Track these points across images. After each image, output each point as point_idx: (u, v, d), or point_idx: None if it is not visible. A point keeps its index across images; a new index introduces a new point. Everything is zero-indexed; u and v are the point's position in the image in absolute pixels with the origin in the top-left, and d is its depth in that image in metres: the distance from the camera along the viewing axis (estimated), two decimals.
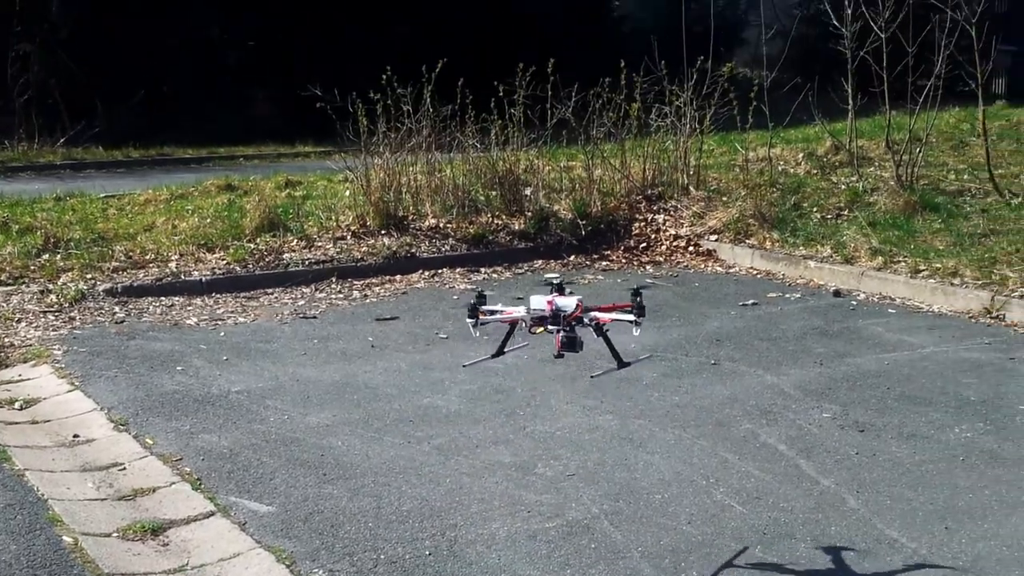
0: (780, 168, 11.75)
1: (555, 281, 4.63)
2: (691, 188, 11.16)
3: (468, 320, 4.47)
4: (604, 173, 11.15)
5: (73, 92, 19.40)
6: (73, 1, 21.35)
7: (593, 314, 4.56)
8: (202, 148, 18.70)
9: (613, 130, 11.03)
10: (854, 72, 11.06)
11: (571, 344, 4.66)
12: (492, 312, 4.71)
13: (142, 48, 21.40)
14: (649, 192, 11.12)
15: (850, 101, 11.26)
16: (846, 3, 10.82)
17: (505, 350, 4.76)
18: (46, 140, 17.70)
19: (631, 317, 4.30)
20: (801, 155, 12.15)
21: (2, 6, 19.21)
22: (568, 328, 4.88)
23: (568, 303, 4.89)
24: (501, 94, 10.34)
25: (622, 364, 4.86)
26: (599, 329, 4.59)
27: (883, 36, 10.58)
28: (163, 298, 8.26)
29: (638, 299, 4.79)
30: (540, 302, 4.55)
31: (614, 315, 4.53)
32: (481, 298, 4.92)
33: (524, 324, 4.44)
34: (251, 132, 20.21)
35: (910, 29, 10.57)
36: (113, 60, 21.45)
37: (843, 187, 10.86)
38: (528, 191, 10.78)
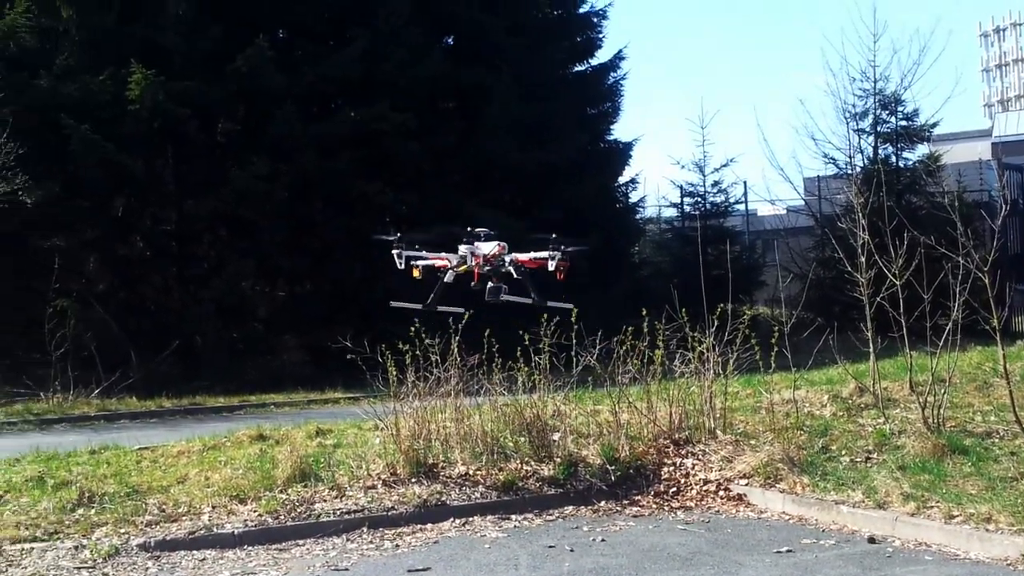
0: (806, 410, 11.84)
1: (480, 232, 5.51)
2: (718, 432, 11.23)
3: (393, 252, 5.03)
4: (631, 417, 11.27)
5: (108, 344, 19.91)
6: (110, 257, 22.24)
7: (514, 255, 5.40)
8: (234, 397, 19.00)
9: (638, 375, 11.22)
10: (873, 317, 11.31)
11: (495, 292, 5.75)
12: (419, 257, 5.42)
13: (176, 300, 22.16)
14: (676, 436, 11.20)
15: (871, 345, 11.46)
16: (859, 251, 11.19)
17: (439, 308, 5.41)
18: (81, 391, 18.03)
19: (547, 253, 4.87)
20: (826, 397, 12.25)
21: (42, 263, 20.04)
22: (492, 266, 6.19)
23: (490, 246, 5.98)
24: (527, 342, 10.60)
25: (538, 303, 5.91)
26: (518, 269, 5.54)
27: (898, 283, 10.89)
28: (196, 551, 8.27)
29: (561, 244, 6.10)
30: (466, 249, 5.33)
31: (532, 254, 5.25)
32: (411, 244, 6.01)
33: (450, 265, 5.08)
34: (281, 379, 20.58)
35: (924, 275, 10.88)
36: (147, 312, 22.18)
37: (870, 429, 10.91)
38: (556, 436, 10.88)
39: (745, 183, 34.39)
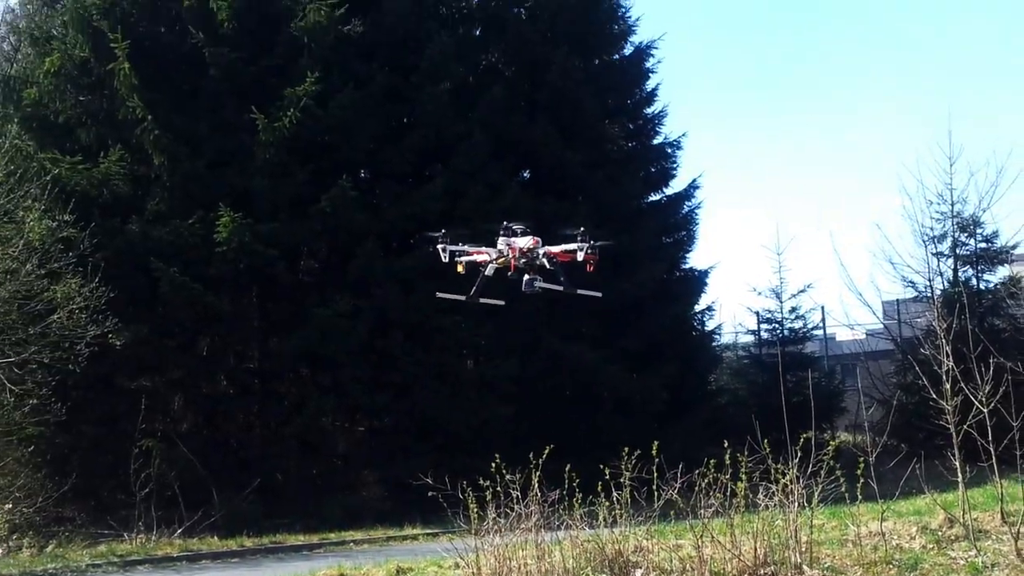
0: (894, 543, 11.54)
1: (515, 227, 6.85)
2: (804, 567, 10.98)
3: (438, 246, 6.06)
4: (714, 552, 11.08)
5: (191, 482, 20.20)
6: (194, 396, 22.71)
7: (546, 248, 6.72)
8: (313, 535, 19.07)
9: (720, 509, 11.07)
10: (960, 445, 11.09)
11: (531, 284, 7.36)
12: (463, 252, 6.60)
13: (257, 438, 22.49)
14: (761, 571, 10.96)
15: (959, 474, 11.22)
16: (944, 378, 11.05)
17: (481, 300, 6.49)
18: (164, 531, 18.24)
19: (576, 245, 6.04)
20: (914, 529, 11.95)
21: (129, 404, 20.54)
22: (528, 259, 7.70)
23: (525, 240, 7.38)
24: (607, 476, 10.56)
25: (568, 290, 7.15)
26: (551, 261, 6.88)
27: (985, 411, 10.71)
28: None
29: (588, 237, 7.19)
30: (503, 243, 6.51)
31: (563, 247, 6.43)
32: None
33: (490, 258, 6.20)
34: (361, 515, 20.65)
35: (1012, 401, 10.69)
36: (230, 450, 22.53)
37: (962, 563, 10.60)
38: (638, 573, 10.73)
39: (823, 308, 34.12)
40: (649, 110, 29.65)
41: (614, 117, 29.05)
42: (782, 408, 11.84)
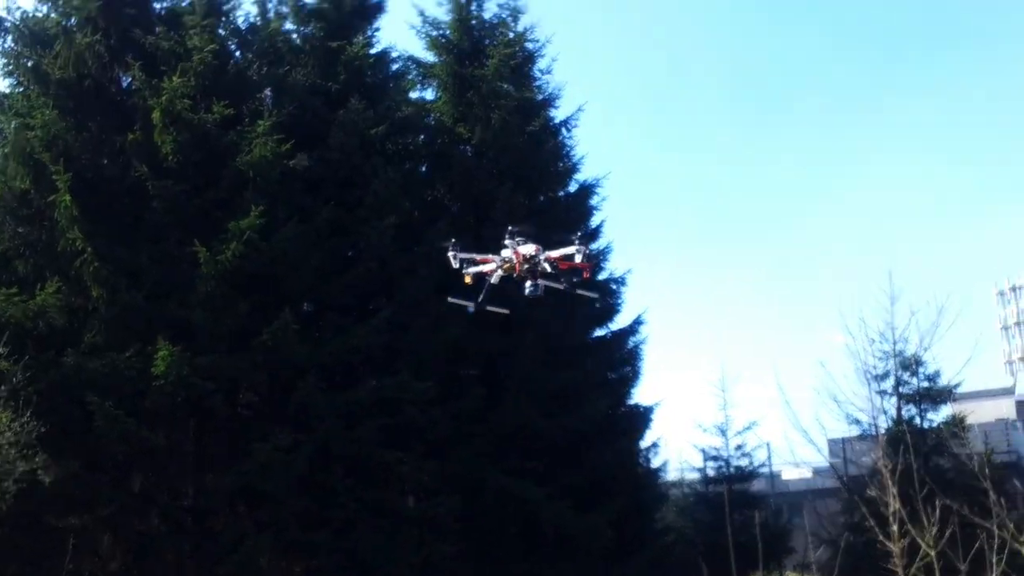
0: None
1: (518, 235, 8.87)
2: None
3: (449, 255, 7.62)
4: None
5: None
6: (124, 535, 21.95)
7: (547, 253, 7.46)
8: None
9: None
10: None
11: (534, 289, 8.67)
12: (471, 261, 8.29)
13: None
14: None
15: None
16: (891, 519, 10.92)
17: (488, 307, 7.73)
18: None
19: (574, 248, 7.95)
20: None
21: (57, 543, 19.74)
22: (530, 265, 8.77)
23: (528, 247, 8.97)
24: None
25: (568, 288, 8.28)
26: (552, 265, 8.48)
27: (932, 553, 10.57)
28: None
29: (582, 236, 7.82)
30: (508, 251, 8.46)
31: (562, 251, 7.01)
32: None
33: (496, 265, 8.28)
34: None
35: (959, 543, 10.57)
36: None
37: None
38: None
39: (768, 445, 34.09)
40: (594, 246, 29.91)
41: None
42: (729, 548, 11.64)
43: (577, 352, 27.08)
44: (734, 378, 59.21)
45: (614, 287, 29.58)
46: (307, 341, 22.80)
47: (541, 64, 29.99)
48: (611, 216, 30.33)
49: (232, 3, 25.68)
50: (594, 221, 29.88)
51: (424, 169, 28.19)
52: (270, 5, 27.53)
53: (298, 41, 27.35)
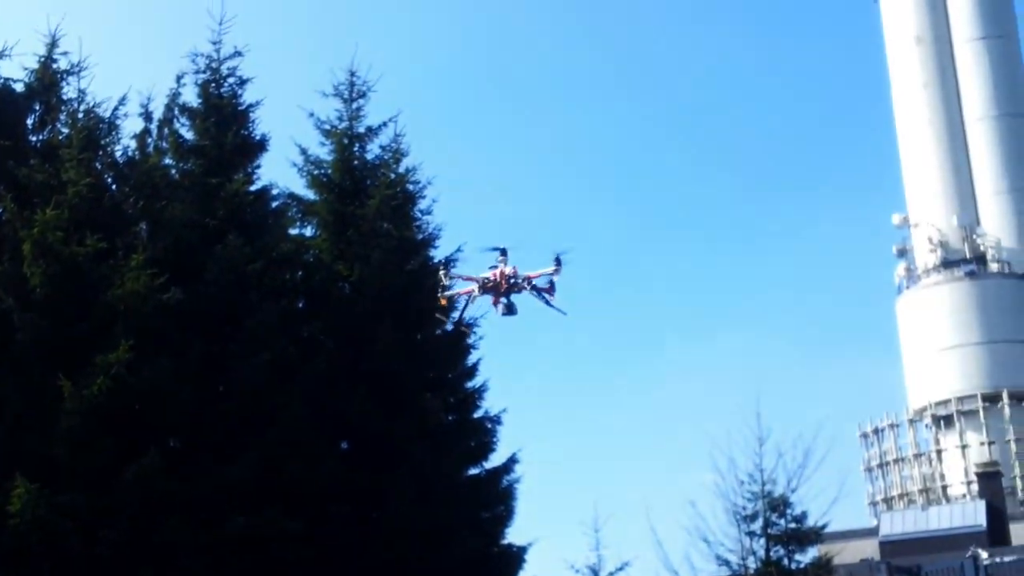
0: None
1: (499, 248, 9.91)
2: None
3: (440, 272, 9.51)
4: None
5: None
6: None
7: (524, 273, 10.84)
8: None
9: None
10: None
11: (508, 309, 12.52)
12: (451, 287, 9.46)
13: None
14: None
15: None
16: None
17: (465, 321, 8.88)
18: None
19: (551, 269, 8.95)
20: None
21: None
22: (507, 285, 9.87)
23: (509, 268, 12.25)
24: None
25: (548, 304, 9.09)
26: (529, 281, 9.50)
27: None
28: None
29: (558, 258, 8.73)
30: (488, 272, 9.39)
31: (539, 271, 10.44)
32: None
33: (475, 293, 9.39)
34: None
35: None
36: None
37: None
38: None
39: None
40: (470, 384, 30.08)
41: (436, 391, 29.29)
42: None
43: (451, 491, 26.92)
44: (607, 517, 59.29)
45: (489, 426, 29.66)
46: (174, 478, 22.24)
47: (422, 205, 30.55)
48: (488, 355, 30.54)
49: (111, 137, 25.75)
50: (471, 359, 30.11)
51: (301, 305, 28.15)
52: (150, 140, 27.66)
53: (177, 176, 27.37)
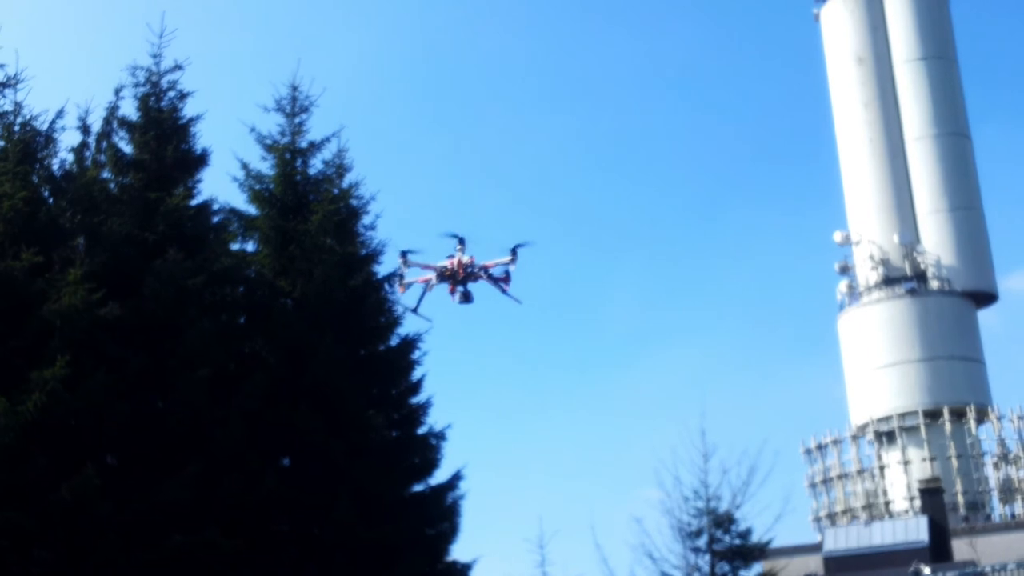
0: None
1: (457, 236, 9.92)
2: None
3: (399, 260, 10.28)
4: None
5: None
6: None
7: (481, 263, 10.25)
8: None
9: None
10: None
11: (465, 298, 11.63)
12: (411, 276, 9.18)
13: None
14: None
15: None
16: None
17: (418, 310, 8.82)
18: None
19: (507, 259, 9.68)
20: None
21: None
22: (464, 274, 10.34)
23: (467, 257, 11.48)
24: None
25: (504, 292, 9.65)
26: (485, 270, 8.25)
27: None
28: None
29: (514, 249, 9.15)
30: (446, 261, 9.79)
31: (495, 261, 9.79)
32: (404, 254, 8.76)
33: (432, 282, 10.05)
34: None
35: None
36: None
37: None
38: None
39: None
40: (415, 400, 29.93)
41: (379, 407, 29.09)
42: None
43: (394, 508, 26.74)
44: (552, 534, 59.21)
45: (434, 442, 29.48)
46: (110, 496, 21.85)
47: (366, 220, 30.43)
48: (432, 370, 30.47)
49: (48, 150, 25.37)
50: (415, 375, 29.97)
51: (243, 321, 27.87)
52: (88, 153, 27.27)
53: (116, 190, 27.00)
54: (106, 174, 27.17)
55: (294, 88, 30.29)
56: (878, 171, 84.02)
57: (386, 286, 29.93)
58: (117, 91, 27.61)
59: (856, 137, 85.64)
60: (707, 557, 29.73)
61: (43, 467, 21.26)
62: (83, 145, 27.27)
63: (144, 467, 23.24)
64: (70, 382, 21.60)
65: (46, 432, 21.53)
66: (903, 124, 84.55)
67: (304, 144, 30.20)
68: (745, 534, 29.88)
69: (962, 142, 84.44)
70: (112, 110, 27.58)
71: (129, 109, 27.59)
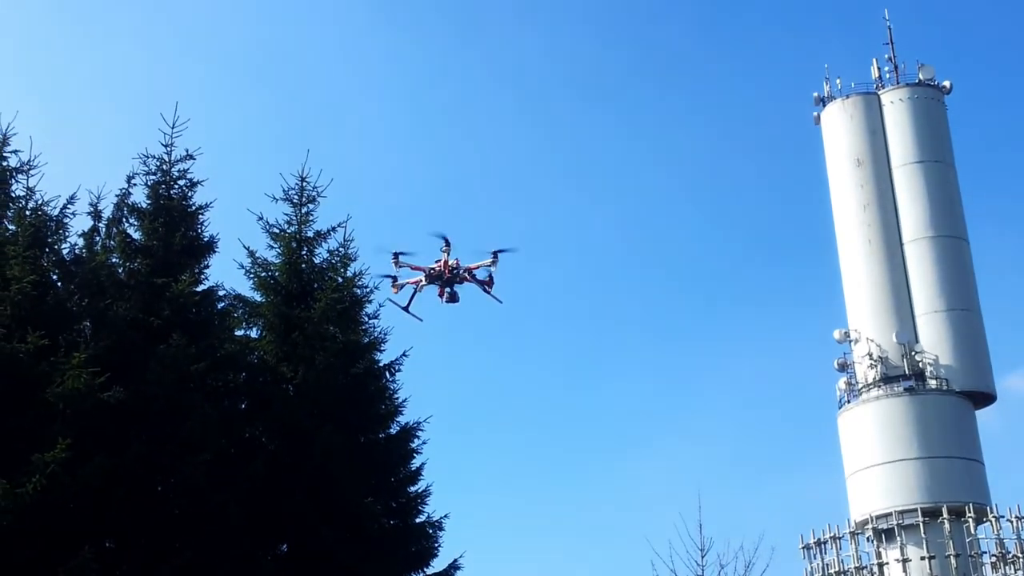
0: None
1: (443, 237, 10.65)
2: None
3: (391, 262, 11.08)
4: None
5: None
6: None
7: (465, 265, 12.83)
8: None
9: None
10: None
11: (451, 298, 15.04)
12: (403, 278, 13.35)
13: None
14: None
15: None
16: None
17: (409, 309, 9.87)
18: None
19: (488, 262, 10.21)
20: None
21: None
22: (450, 275, 10.68)
23: (452, 259, 15.00)
24: None
25: (487, 292, 10.10)
26: (470, 272, 10.44)
27: None
28: None
29: (495, 253, 9.64)
30: (433, 263, 12.12)
31: (478, 263, 12.79)
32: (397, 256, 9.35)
33: (422, 283, 10.70)
34: None
35: None
36: None
37: None
38: None
39: None
40: (413, 488, 29.94)
41: (377, 494, 29.13)
42: None
43: None
44: None
45: (431, 531, 29.46)
46: None
47: (369, 308, 30.66)
48: (432, 459, 30.53)
49: (58, 235, 25.82)
50: (415, 463, 30.02)
51: (244, 406, 28.03)
52: (97, 239, 27.73)
53: (123, 275, 27.39)
54: (114, 259, 27.59)
55: (302, 179, 30.75)
56: (876, 270, 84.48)
57: (387, 374, 30.16)
58: (129, 179, 28.22)
59: (855, 237, 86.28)
60: None
61: (41, 549, 21.26)
62: (93, 230, 27.79)
63: (142, 551, 23.25)
64: (70, 465, 21.70)
65: (45, 514, 21.57)
66: (901, 225, 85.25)
67: (310, 233, 30.61)
68: None
69: (959, 244, 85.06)
70: (123, 197, 28.15)
71: (140, 196, 28.14)
